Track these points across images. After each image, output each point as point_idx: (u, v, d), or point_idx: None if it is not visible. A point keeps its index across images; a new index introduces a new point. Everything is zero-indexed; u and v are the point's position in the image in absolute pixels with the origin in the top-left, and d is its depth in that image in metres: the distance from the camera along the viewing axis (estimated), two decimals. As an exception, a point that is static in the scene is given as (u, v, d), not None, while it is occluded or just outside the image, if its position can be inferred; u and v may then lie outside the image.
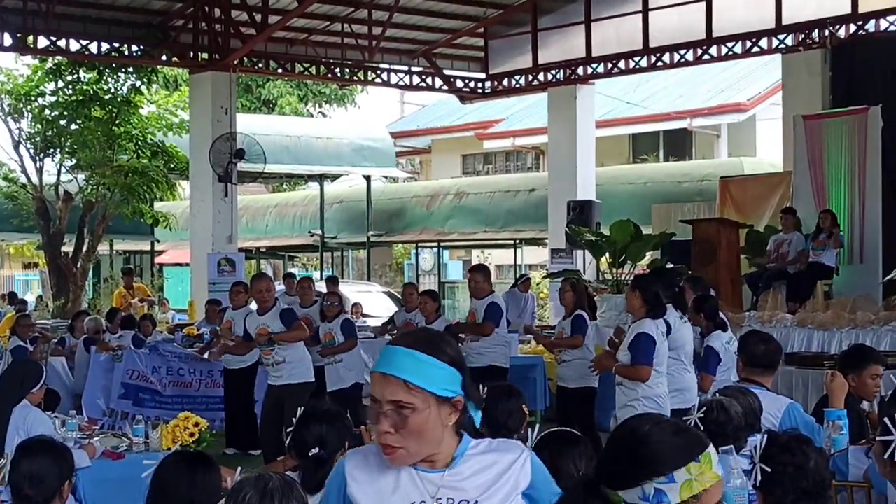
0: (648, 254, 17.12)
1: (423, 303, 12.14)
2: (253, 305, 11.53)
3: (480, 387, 5.78)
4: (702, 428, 5.00)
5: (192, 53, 20.20)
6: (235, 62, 20.07)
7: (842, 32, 17.41)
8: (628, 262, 15.97)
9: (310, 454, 4.80)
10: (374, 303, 22.23)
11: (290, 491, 3.43)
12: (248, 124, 22.94)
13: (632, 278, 10.49)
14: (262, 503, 3.35)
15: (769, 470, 3.78)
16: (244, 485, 3.42)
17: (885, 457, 4.17)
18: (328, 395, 12.06)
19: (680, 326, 9.00)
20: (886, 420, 4.18)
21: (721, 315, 9.46)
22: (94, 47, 19.64)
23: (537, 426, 4.56)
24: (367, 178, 28.97)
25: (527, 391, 12.97)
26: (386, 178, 32.48)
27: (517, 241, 28.46)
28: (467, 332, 11.57)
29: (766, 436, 3.92)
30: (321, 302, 12.62)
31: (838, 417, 5.94)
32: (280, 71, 22.00)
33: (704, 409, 4.99)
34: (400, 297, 25.95)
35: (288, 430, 4.97)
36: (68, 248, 24.01)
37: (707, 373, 8.78)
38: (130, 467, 6.70)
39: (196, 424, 7.11)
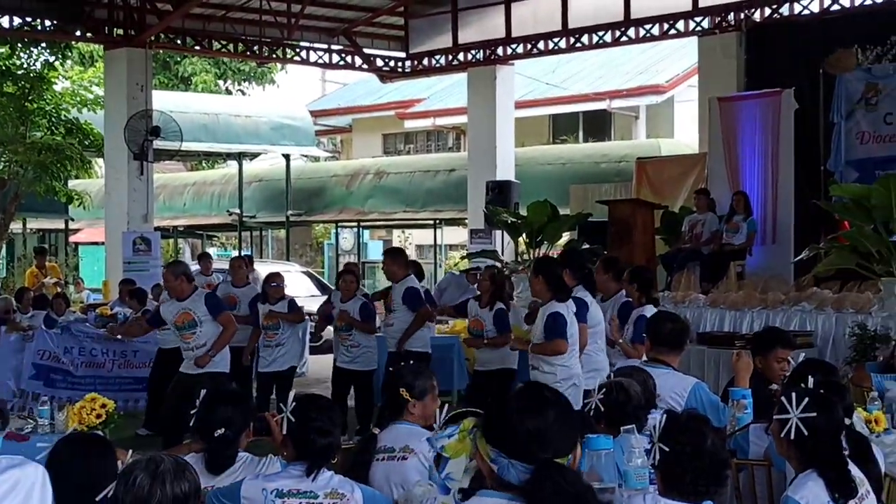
0: (565, 234, 17.22)
1: (348, 281, 11.97)
2: None
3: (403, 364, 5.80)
4: (602, 409, 5.06)
5: (106, 29, 19.84)
6: (151, 39, 19.75)
7: (757, 16, 17.60)
8: (545, 242, 16.06)
9: (215, 435, 4.77)
10: (293, 283, 22.08)
11: (182, 473, 3.39)
12: (165, 101, 22.62)
13: (533, 263, 10.55)
14: (153, 486, 3.31)
15: (667, 449, 3.83)
16: (135, 467, 3.38)
17: (782, 435, 4.24)
18: (261, 376, 12.01)
19: (594, 306, 9.09)
20: (784, 399, 4.25)
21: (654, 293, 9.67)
22: (5, 21, 19.22)
23: (446, 406, 4.57)
24: (287, 156, 28.77)
25: (444, 371, 13.07)
26: (306, 157, 32.27)
27: (437, 222, 28.46)
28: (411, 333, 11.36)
29: (665, 415, 3.96)
30: (263, 283, 12.47)
31: (743, 396, 6.05)
32: (197, 48, 21.70)
33: (604, 390, 5.03)
34: (318, 276, 25.99)
35: (192, 412, 4.94)
36: (-21, 226, 23.55)
37: (640, 342, 8.75)
38: (36, 449, 6.58)
39: (103, 406, 7.00)
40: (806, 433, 4.18)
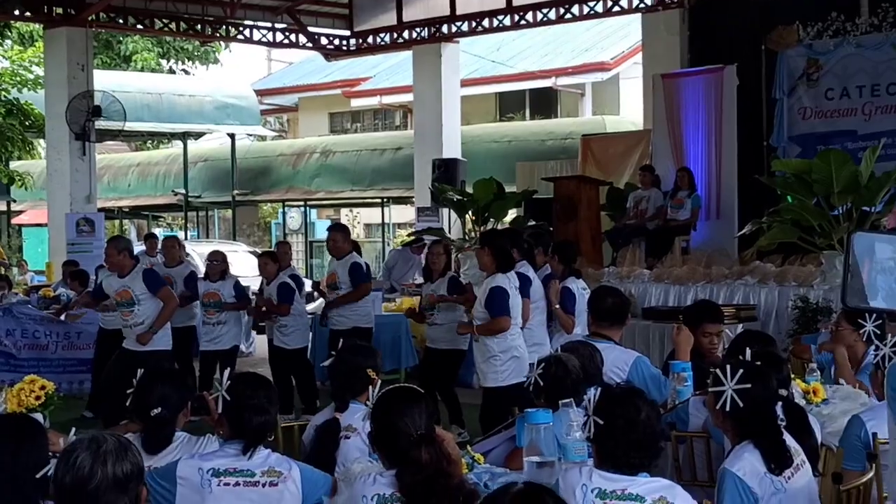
0: (511, 211, 17.24)
1: (263, 264, 12.02)
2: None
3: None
4: (542, 384, 5.07)
5: (45, 8, 19.54)
6: (92, 17, 19.51)
7: (700, -8, 17.64)
8: (491, 219, 16.07)
9: (151, 414, 4.73)
10: (240, 262, 21.94)
11: (125, 453, 3.34)
12: (108, 81, 22.39)
13: (480, 236, 10.60)
14: (94, 465, 3.26)
15: (601, 422, 3.84)
16: (76, 447, 3.32)
17: (717, 407, 4.26)
18: (204, 354, 11.96)
19: (536, 282, 9.16)
20: (718, 371, 4.27)
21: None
22: (-58, 0, 18.94)
23: (379, 383, 4.57)
24: (232, 136, 28.57)
25: (392, 349, 13.06)
26: (252, 136, 32.07)
27: (384, 200, 28.40)
28: (342, 302, 11.19)
29: (598, 389, 3.97)
30: (206, 260, 12.42)
31: (683, 369, 6.08)
32: (139, 27, 21.45)
33: (543, 364, 5.03)
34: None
35: (128, 391, 4.89)
36: (-81, 208, 23.28)
37: (566, 313, 9.00)
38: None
39: (42, 388, 6.90)
40: (741, 405, 4.20)
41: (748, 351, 4.95)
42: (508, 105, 30.79)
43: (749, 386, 4.20)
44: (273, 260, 12.05)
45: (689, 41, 17.47)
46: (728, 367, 4.25)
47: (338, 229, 11.80)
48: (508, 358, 8.25)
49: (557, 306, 9.09)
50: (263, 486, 4.30)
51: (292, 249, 13.94)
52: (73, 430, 3.94)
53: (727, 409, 4.22)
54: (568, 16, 19.73)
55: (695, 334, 6.48)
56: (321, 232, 34.71)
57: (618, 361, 6.30)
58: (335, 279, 11.30)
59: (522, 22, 20.35)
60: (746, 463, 4.16)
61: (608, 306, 6.60)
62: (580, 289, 9.23)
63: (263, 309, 11.90)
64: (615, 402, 3.88)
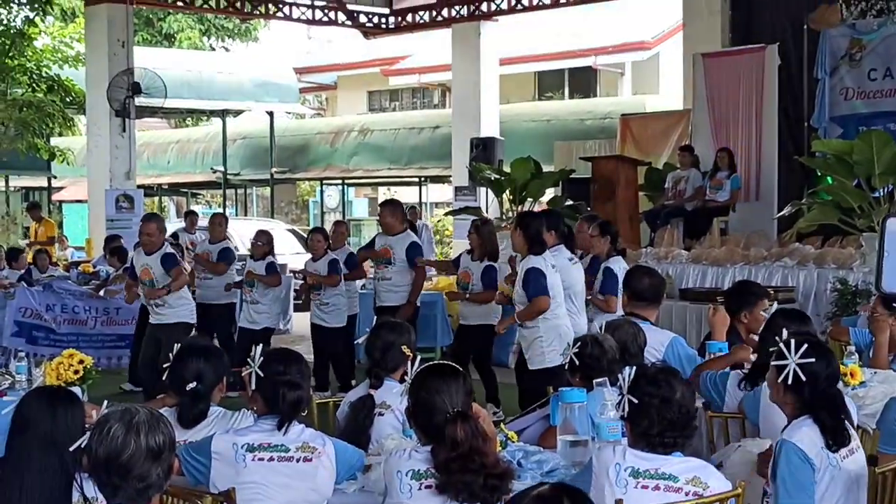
0: (549, 191, 17.19)
1: (315, 241, 12.04)
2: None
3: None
4: (577, 363, 5.05)
5: (87, -16, 19.67)
6: (133, -6, 19.60)
7: (741, -29, 17.48)
8: (528, 199, 16.02)
9: (187, 388, 4.77)
10: (278, 240, 21.96)
11: (157, 424, 3.37)
12: (148, 58, 22.45)
13: (515, 217, 10.49)
14: (127, 436, 3.30)
15: (636, 401, 3.82)
16: (109, 418, 3.36)
17: (780, 381, 4.19)
18: (241, 331, 12.07)
19: (569, 267, 8.96)
20: (782, 345, 4.20)
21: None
22: (-17, -23, 19.07)
23: (418, 359, 4.57)
24: (270, 113, 28.64)
25: (428, 328, 13.05)
26: (291, 114, 32.13)
27: (422, 179, 28.41)
28: (416, 295, 11.18)
29: (633, 368, 3.95)
30: (253, 241, 12.43)
31: (720, 350, 6.06)
32: (179, 4, 21.51)
33: (579, 343, 5.01)
34: (302, 234, 25.92)
35: (164, 366, 4.93)
36: (-39, 184, 23.49)
37: (611, 294, 8.86)
38: (3, 404, 6.63)
39: (81, 362, 6.97)
40: (804, 379, 4.15)
41: (784, 332, 4.90)
42: (547, 84, 30.67)
43: (813, 360, 4.14)
44: (325, 237, 12.08)
45: (731, 20, 17.30)
46: (792, 342, 4.18)
47: (385, 205, 11.62)
48: (553, 337, 8.17)
49: (590, 296, 8.99)
50: (297, 461, 4.31)
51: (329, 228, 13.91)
52: (106, 402, 3.97)
53: (789, 382, 4.17)
54: (608, -6, 19.63)
55: (753, 314, 6.38)
56: (358, 210, 34.84)
57: (653, 342, 6.26)
58: (389, 254, 11.09)
59: (562, 0, 20.25)
60: (804, 436, 4.09)
61: (644, 286, 6.57)
62: (622, 268, 9.10)
63: (310, 281, 11.87)
64: (650, 382, 3.86)
